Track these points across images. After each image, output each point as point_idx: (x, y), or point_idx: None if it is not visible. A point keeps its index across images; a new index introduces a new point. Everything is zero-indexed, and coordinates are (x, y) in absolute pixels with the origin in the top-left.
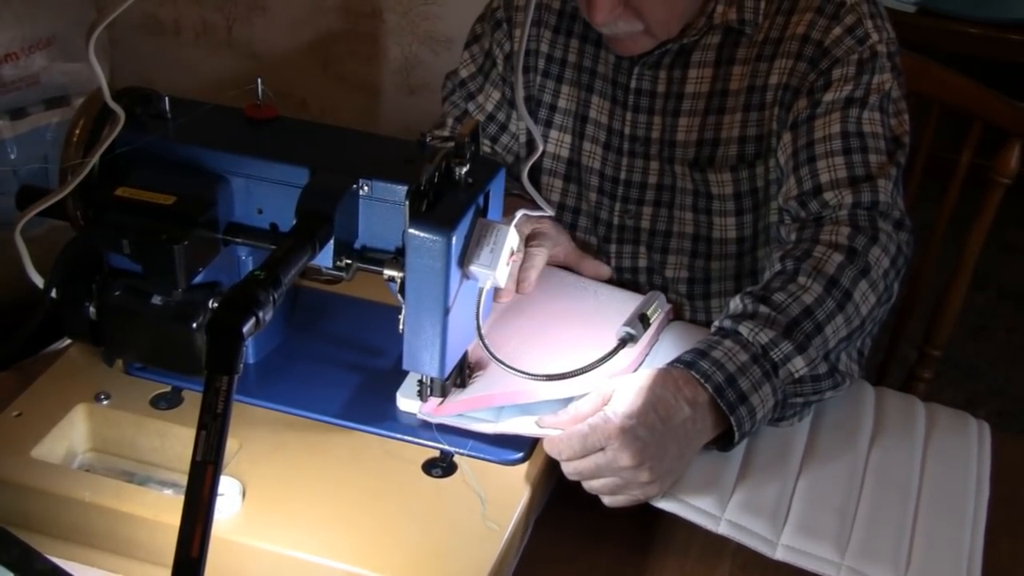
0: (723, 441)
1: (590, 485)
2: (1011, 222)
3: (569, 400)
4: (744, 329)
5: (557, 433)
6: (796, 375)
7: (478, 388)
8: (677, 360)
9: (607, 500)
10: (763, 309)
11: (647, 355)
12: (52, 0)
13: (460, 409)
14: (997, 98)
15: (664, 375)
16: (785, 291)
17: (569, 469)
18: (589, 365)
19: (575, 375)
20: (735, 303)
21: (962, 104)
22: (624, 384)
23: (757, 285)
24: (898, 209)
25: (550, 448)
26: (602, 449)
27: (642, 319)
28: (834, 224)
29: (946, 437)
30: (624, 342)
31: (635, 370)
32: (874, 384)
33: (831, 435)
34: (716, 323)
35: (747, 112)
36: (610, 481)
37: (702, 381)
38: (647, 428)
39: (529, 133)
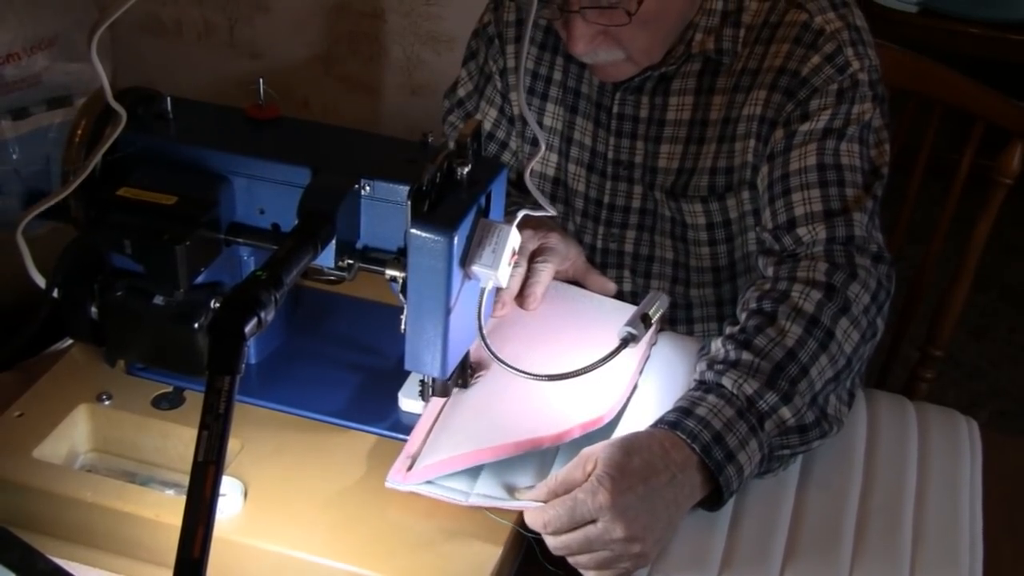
0: (710, 500)
1: (577, 560)
2: (1013, 222)
3: (546, 456)
4: (728, 381)
5: (537, 505)
6: (783, 426)
7: (449, 447)
8: (661, 420)
9: (593, 575)
10: (746, 356)
11: (647, 359)
12: (54, 0)
13: (431, 474)
14: (999, 98)
15: (649, 438)
16: (765, 335)
17: (557, 543)
18: (591, 365)
19: (578, 374)
20: (716, 347)
21: (964, 104)
22: (608, 451)
23: (736, 326)
24: (875, 242)
25: (533, 521)
26: (592, 521)
27: (644, 319)
28: (810, 260)
29: (943, 463)
30: (626, 342)
31: (639, 374)
32: (875, 385)
33: (820, 494)
34: (697, 373)
35: (720, 143)
36: (600, 555)
37: (689, 442)
38: (638, 497)
39: (533, 137)
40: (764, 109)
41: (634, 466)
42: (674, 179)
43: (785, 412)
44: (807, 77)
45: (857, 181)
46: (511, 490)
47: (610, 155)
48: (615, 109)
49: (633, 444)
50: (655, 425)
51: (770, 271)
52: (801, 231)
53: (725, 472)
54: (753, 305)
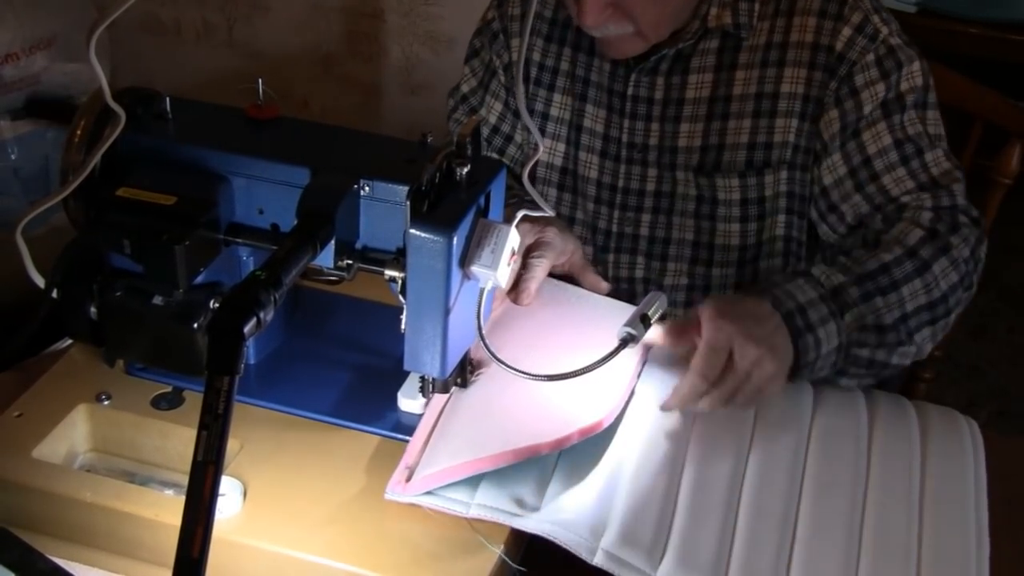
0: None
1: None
2: (1012, 222)
3: (547, 464)
4: (817, 271)
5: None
6: (861, 322)
7: (447, 457)
8: (749, 290)
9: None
10: (842, 259)
11: (645, 363)
12: (53, 0)
13: (430, 485)
14: (998, 98)
15: (742, 299)
16: (865, 250)
17: (718, 395)
18: (590, 365)
19: (577, 375)
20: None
21: (963, 104)
22: (710, 303)
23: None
24: (975, 209)
25: (693, 385)
26: (730, 355)
27: (643, 319)
28: (917, 210)
29: (946, 463)
30: (625, 342)
31: (637, 377)
32: (873, 385)
33: (822, 494)
34: (790, 268)
35: (757, 119)
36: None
37: (773, 303)
38: (763, 332)
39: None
40: (807, 88)
41: (736, 305)
42: (700, 156)
43: (865, 309)
44: (843, 52)
45: (934, 144)
46: (514, 499)
47: (624, 138)
48: (630, 91)
49: (732, 298)
50: (743, 294)
51: (879, 226)
52: (905, 198)
53: (804, 339)
54: (859, 237)
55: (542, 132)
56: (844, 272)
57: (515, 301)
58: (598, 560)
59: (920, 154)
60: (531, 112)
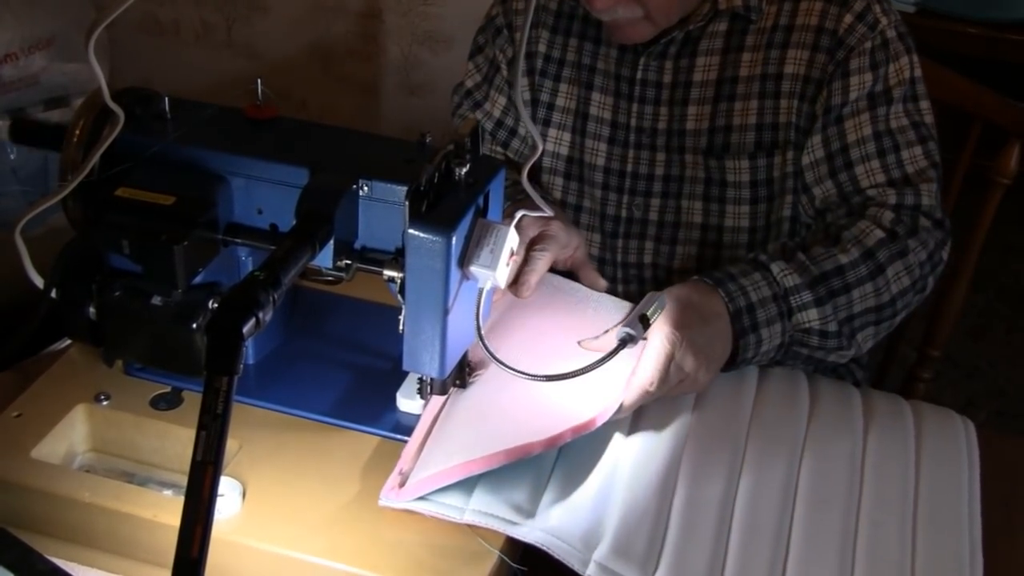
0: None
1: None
2: (1011, 222)
3: (542, 469)
4: (775, 268)
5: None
6: (806, 325)
7: (440, 460)
8: (708, 276)
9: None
10: (800, 256)
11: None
12: (51, 0)
13: (423, 489)
14: (997, 98)
15: (694, 285)
16: (824, 246)
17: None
18: (589, 365)
19: (575, 375)
20: (776, 245)
21: (962, 104)
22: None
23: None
24: (940, 211)
25: (639, 390)
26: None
27: (642, 320)
28: (879, 207)
29: (940, 463)
30: (624, 343)
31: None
32: (872, 385)
33: (815, 495)
34: (753, 254)
35: (763, 100)
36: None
37: (725, 300)
38: (704, 337)
39: (543, 121)
40: (808, 69)
41: (690, 316)
42: (708, 138)
43: (813, 314)
44: (842, 37)
45: (912, 140)
46: (510, 506)
47: (633, 123)
48: (639, 75)
49: (687, 298)
50: (700, 279)
51: (842, 220)
52: (871, 191)
53: (746, 339)
54: (822, 227)
55: (548, 122)
56: (801, 272)
57: (515, 293)
58: (590, 572)
59: (897, 149)
60: (537, 103)
